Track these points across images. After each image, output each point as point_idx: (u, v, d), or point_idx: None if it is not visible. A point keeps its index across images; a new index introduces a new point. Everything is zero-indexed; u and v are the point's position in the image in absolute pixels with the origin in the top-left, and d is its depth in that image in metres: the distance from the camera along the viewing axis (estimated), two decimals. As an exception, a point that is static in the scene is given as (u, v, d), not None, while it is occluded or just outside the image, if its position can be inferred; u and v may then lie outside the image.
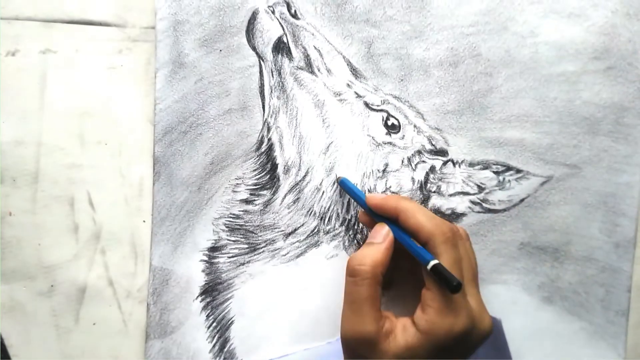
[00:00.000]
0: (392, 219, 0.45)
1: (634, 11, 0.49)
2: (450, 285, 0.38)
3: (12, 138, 0.53)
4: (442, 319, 0.40)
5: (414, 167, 0.51)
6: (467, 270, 0.43)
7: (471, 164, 0.51)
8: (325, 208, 0.52)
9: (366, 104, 0.51)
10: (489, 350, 0.49)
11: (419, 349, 0.40)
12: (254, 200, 0.52)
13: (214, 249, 0.53)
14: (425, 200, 0.51)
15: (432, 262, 0.40)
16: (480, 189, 0.50)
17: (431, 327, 0.40)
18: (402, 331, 0.41)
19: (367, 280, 0.42)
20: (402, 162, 0.51)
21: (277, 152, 0.52)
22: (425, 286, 0.42)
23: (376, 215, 0.47)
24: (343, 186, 0.50)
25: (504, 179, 0.50)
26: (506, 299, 0.50)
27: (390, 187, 0.51)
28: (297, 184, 0.52)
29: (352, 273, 0.43)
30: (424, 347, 0.40)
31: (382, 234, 0.45)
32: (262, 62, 0.52)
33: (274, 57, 0.52)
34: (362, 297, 0.42)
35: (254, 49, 0.52)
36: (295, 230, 0.52)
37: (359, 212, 0.49)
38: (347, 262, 0.44)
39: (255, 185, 0.52)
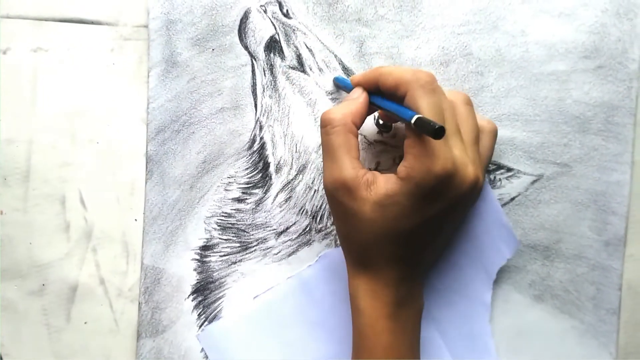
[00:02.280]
0: (376, 90, 0.45)
1: (623, 10, 0.49)
2: (432, 130, 0.37)
3: (3, 136, 0.53)
4: (419, 162, 0.39)
5: (405, 166, 0.51)
6: (451, 121, 0.41)
7: (462, 163, 0.51)
8: (317, 207, 0.52)
9: (358, 103, 0.51)
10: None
11: (399, 194, 0.40)
12: (246, 198, 0.52)
13: (206, 248, 0.53)
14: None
15: (415, 116, 0.38)
16: (472, 187, 0.51)
17: (409, 171, 0.40)
18: (384, 181, 0.41)
19: (337, 128, 0.43)
20: (394, 160, 0.51)
21: (269, 151, 0.52)
22: (406, 137, 0.41)
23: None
24: (336, 83, 0.51)
25: (494, 177, 0.50)
26: (497, 297, 0.50)
27: (381, 185, 0.51)
28: (289, 182, 0.52)
29: (322, 123, 0.44)
30: (403, 192, 0.40)
31: (357, 92, 0.46)
32: (254, 61, 0.52)
33: (266, 56, 0.52)
34: (335, 144, 0.43)
35: (246, 48, 0.52)
36: (287, 228, 0.52)
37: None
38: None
39: (247, 183, 0.52)
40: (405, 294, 0.44)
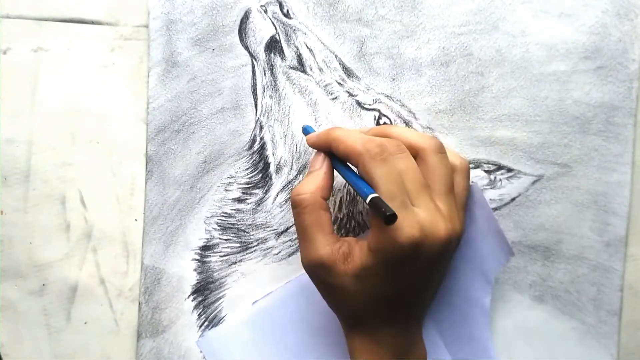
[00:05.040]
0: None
1: (624, 11, 0.49)
2: (383, 216, 0.37)
3: (3, 136, 0.53)
4: (384, 234, 0.39)
5: (405, 166, 0.51)
6: (413, 182, 0.41)
7: (463, 163, 0.51)
8: (317, 207, 0.52)
9: (358, 103, 0.51)
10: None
11: (374, 266, 0.40)
12: (246, 199, 0.52)
13: (206, 248, 0.53)
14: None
15: (370, 196, 0.39)
16: (472, 188, 0.51)
17: (377, 244, 0.40)
18: (359, 252, 0.41)
19: (308, 207, 0.43)
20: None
21: (269, 151, 0.52)
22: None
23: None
24: (304, 132, 0.50)
25: (495, 177, 0.50)
26: (497, 297, 0.50)
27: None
28: (289, 182, 0.52)
29: (293, 204, 0.44)
30: (377, 264, 0.40)
31: (319, 161, 0.46)
32: (254, 61, 0.52)
33: (266, 56, 0.52)
34: (307, 224, 0.43)
35: (246, 48, 0.52)
36: (287, 229, 0.52)
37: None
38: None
39: (248, 184, 0.52)
40: (404, 346, 0.44)
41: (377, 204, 0.38)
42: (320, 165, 0.45)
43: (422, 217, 0.40)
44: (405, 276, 0.41)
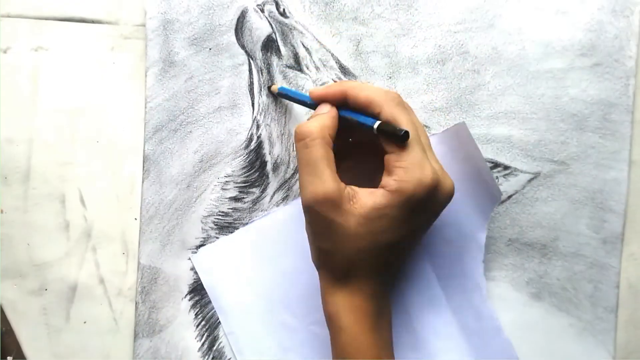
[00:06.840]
0: (340, 103, 0.45)
1: (620, 7, 0.49)
2: (397, 136, 0.39)
3: (3, 136, 0.53)
4: (410, 175, 0.40)
5: (402, 165, 0.51)
6: (424, 135, 0.43)
7: (459, 161, 0.51)
8: (314, 205, 0.52)
9: (355, 102, 0.51)
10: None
11: (388, 207, 0.40)
12: (243, 197, 0.53)
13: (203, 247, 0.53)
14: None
15: (377, 123, 0.41)
16: (469, 185, 0.50)
17: (400, 184, 0.40)
18: (368, 195, 0.41)
19: (317, 140, 0.42)
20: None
21: (266, 150, 0.52)
22: (387, 152, 0.41)
23: None
24: (284, 93, 0.50)
25: (491, 175, 0.50)
26: (494, 295, 0.50)
27: (378, 184, 0.51)
28: (286, 181, 0.52)
29: (299, 136, 0.42)
30: (394, 204, 0.40)
31: (326, 107, 0.45)
32: (251, 61, 0.52)
33: (263, 55, 0.52)
34: (315, 156, 0.41)
35: (243, 47, 0.52)
36: (284, 227, 0.52)
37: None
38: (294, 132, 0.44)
39: (245, 182, 0.52)
40: (384, 303, 0.44)
41: (387, 127, 0.40)
42: (328, 110, 0.45)
43: (434, 165, 0.41)
44: (414, 223, 0.42)
